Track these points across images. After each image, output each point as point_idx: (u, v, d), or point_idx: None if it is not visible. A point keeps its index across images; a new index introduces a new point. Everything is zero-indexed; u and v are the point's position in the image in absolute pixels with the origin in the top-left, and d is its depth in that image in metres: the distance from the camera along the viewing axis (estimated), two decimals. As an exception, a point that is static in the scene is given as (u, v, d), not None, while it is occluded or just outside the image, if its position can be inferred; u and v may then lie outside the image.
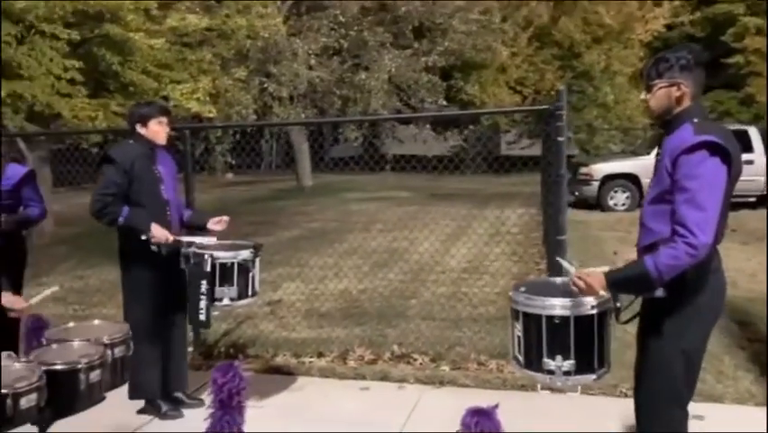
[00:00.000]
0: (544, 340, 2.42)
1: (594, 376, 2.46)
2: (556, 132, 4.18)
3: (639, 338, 2.47)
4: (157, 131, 3.85)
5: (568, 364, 2.41)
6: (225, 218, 4.01)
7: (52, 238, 9.84)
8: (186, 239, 3.83)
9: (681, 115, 2.37)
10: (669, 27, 21.93)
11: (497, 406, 2.55)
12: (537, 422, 3.64)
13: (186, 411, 3.92)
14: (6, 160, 4.23)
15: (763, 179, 11.96)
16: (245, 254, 3.69)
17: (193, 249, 3.73)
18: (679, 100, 2.37)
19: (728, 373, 4.26)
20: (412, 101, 17.32)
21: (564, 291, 2.48)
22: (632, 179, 12.31)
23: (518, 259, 8.02)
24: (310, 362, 4.69)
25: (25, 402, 2.31)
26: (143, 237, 3.69)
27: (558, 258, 2.76)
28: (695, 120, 2.32)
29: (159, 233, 3.69)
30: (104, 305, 6.21)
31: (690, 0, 22.32)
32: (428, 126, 17.77)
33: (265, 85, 14.54)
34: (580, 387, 2.55)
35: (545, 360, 2.43)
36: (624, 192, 12.55)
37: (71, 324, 3.11)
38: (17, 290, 3.91)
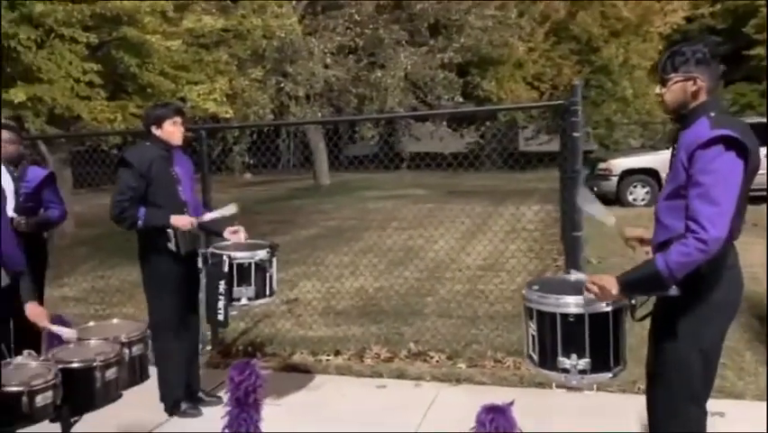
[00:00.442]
0: (559, 338, 2.41)
1: (610, 375, 2.44)
2: (571, 127, 4.15)
3: (653, 336, 2.44)
4: (172, 132, 3.87)
5: (583, 363, 2.39)
6: (241, 229, 4.01)
7: (73, 239, 9.97)
8: (207, 217, 3.87)
9: (697, 109, 2.33)
10: (688, 19, 21.66)
11: (512, 403, 2.54)
12: (554, 420, 3.63)
13: (204, 409, 3.95)
14: (27, 163, 4.30)
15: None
16: (262, 254, 3.73)
17: (211, 249, 3.78)
18: (695, 95, 2.33)
19: (750, 369, 4.20)
20: (428, 98, 17.30)
21: (578, 289, 2.47)
22: (651, 173, 12.16)
23: (536, 256, 7.96)
24: (327, 360, 4.71)
25: (41, 400, 2.36)
26: (169, 231, 3.71)
27: (571, 270, 2.73)
28: (712, 114, 2.29)
29: (180, 222, 3.72)
30: (123, 305, 6.29)
31: (710, -9, 22.06)
32: (444, 124, 17.73)
33: (282, 84, 14.60)
34: (595, 385, 2.52)
35: (560, 358, 2.41)
36: (643, 187, 12.41)
37: (91, 323, 3.16)
38: (39, 291, 3.98)
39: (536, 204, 10.32)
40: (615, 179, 12.58)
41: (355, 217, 11.86)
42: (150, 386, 3.90)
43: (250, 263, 3.68)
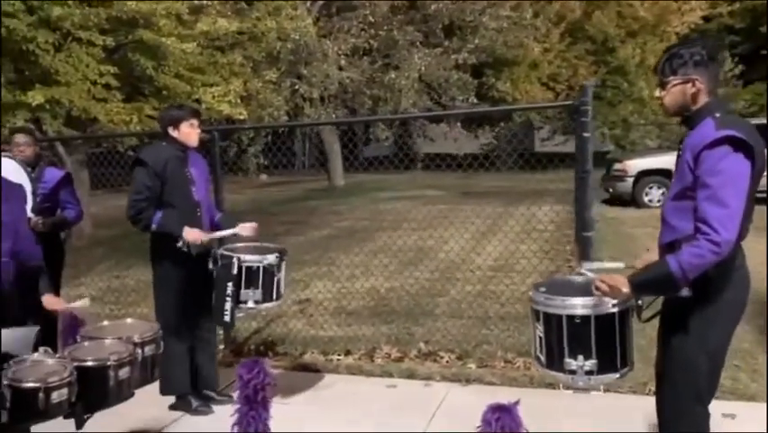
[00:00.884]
0: (565, 340, 2.41)
1: (617, 375, 2.44)
2: (582, 127, 4.14)
3: (661, 337, 2.44)
4: (188, 133, 3.91)
5: (590, 364, 2.39)
6: (254, 225, 4.06)
7: (90, 240, 10.10)
8: (217, 235, 3.91)
9: (701, 110, 2.33)
10: (706, 19, 21.43)
11: (518, 402, 2.55)
12: (563, 421, 3.62)
13: (215, 408, 3.99)
14: (44, 164, 4.38)
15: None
16: (271, 259, 3.74)
17: (221, 251, 3.81)
18: (694, 97, 2.32)
19: (762, 371, 4.16)
20: (443, 99, 17.30)
21: (585, 290, 2.47)
22: (667, 174, 12.03)
23: (549, 257, 7.93)
24: (338, 359, 4.73)
25: (57, 396, 2.40)
26: (179, 244, 3.76)
27: (583, 265, 2.73)
28: (717, 115, 2.28)
29: (192, 236, 3.75)
30: (138, 304, 6.36)
31: (728, -10, 21.80)
32: (459, 125, 17.72)
33: (296, 86, 14.68)
34: (602, 386, 2.53)
35: (567, 360, 2.42)
36: (659, 188, 12.31)
37: (105, 322, 3.20)
38: (56, 289, 4.04)
39: (552, 204, 10.28)
40: (630, 180, 12.49)
41: (368, 218, 11.89)
42: (163, 384, 3.97)
43: (258, 267, 3.69)
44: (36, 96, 7.24)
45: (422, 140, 20.99)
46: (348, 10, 16.02)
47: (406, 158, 16.51)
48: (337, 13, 16.13)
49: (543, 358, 2.51)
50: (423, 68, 16.05)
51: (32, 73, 7.75)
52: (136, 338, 2.90)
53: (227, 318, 3.76)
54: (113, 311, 6.24)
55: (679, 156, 2.39)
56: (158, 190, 3.78)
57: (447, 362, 4.57)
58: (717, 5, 21.57)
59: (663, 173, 12.14)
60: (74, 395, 2.48)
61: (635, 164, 12.68)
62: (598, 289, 2.34)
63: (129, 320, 3.27)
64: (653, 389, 3.80)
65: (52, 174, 4.29)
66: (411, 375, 4.42)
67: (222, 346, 5.04)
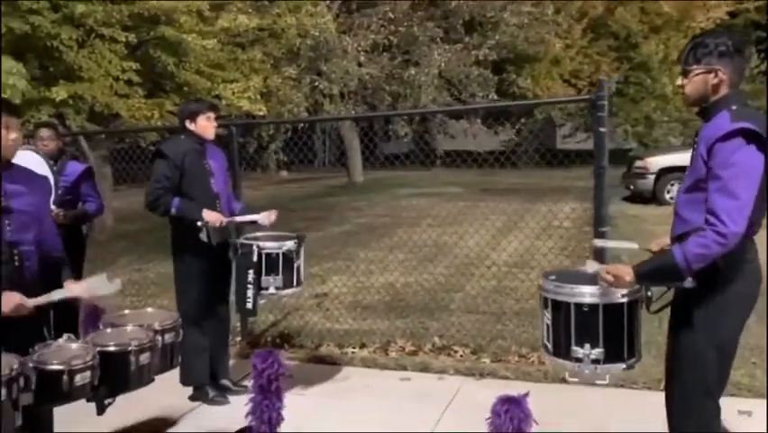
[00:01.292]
0: (573, 328, 2.43)
1: (623, 366, 2.44)
2: (598, 122, 4.13)
3: (670, 329, 2.43)
4: (205, 126, 3.99)
5: (596, 353, 2.40)
6: (274, 212, 4.12)
7: (112, 234, 10.26)
8: (238, 219, 3.97)
9: (718, 102, 2.31)
10: (732, 14, 21.07)
11: (527, 394, 2.57)
12: (577, 416, 3.63)
13: (231, 398, 4.05)
14: (66, 158, 4.47)
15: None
16: (290, 245, 3.81)
17: (241, 240, 3.88)
18: (716, 88, 2.31)
19: (780, 368, 4.11)
20: (463, 96, 17.24)
21: (595, 281, 2.47)
22: (689, 171, 11.90)
23: (569, 253, 7.90)
24: (353, 352, 4.78)
25: (80, 379, 2.46)
26: (198, 224, 3.82)
27: (588, 260, 2.72)
28: (733, 107, 2.26)
29: (212, 217, 3.82)
30: (158, 297, 6.45)
31: (755, -16, 21.41)
32: (479, 121, 17.64)
33: (316, 83, 14.74)
34: (608, 376, 2.52)
35: (574, 348, 2.43)
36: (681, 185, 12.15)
37: (126, 311, 3.27)
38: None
39: (572, 201, 10.21)
40: (652, 177, 12.36)
41: (387, 214, 11.92)
42: (180, 374, 4.04)
43: (278, 253, 3.77)
44: (60, 92, 7.38)
45: (442, 136, 20.95)
46: (368, 6, 16.03)
47: (426, 155, 16.51)
48: (357, 10, 16.15)
49: (549, 346, 2.52)
50: (443, 64, 16.00)
51: (56, 69, 7.89)
52: (156, 326, 2.96)
53: (250, 306, 3.83)
54: (133, 303, 6.34)
55: (694, 148, 2.39)
56: (176, 181, 3.85)
57: (461, 356, 4.59)
58: (743, 1, 21.20)
59: (685, 170, 11.94)
60: (96, 379, 2.54)
61: (657, 161, 12.54)
62: (603, 279, 2.34)
63: (149, 309, 3.35)
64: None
65: (74, 168, 4.38)
66: (425, 369, 4.45)
67: (239, 338, 5.11)
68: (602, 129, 4.12)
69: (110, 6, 7.65)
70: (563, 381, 4.07)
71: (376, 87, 15.88)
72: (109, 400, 2.89)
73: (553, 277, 2.56)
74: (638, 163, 12.80)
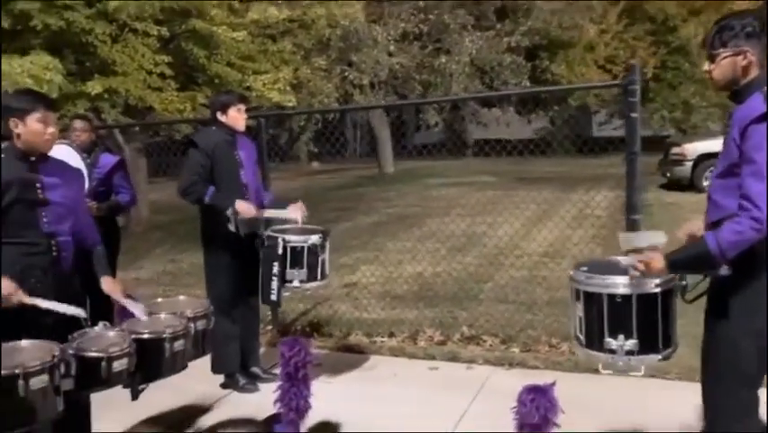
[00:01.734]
0: (606, 319, 2.37)
1: (659, 357, 2.38)
2: (629, 107, 4.04)
3: (706, 318, 2.37)
4: (236, 117, 4.03)
5: (630, 344, 2.35)
6: (301, 206, 4.14)
7: (148, 225, 10.45)
8: (267, 213, 4.00)
9: (751, 84, 2.23)
10: (775, -5, 20.38)
11: (554, 383, 2.54)
12: (608, 406, 3.57)
13: (262, 385, 4.10)
14: (99, 150, 4.55)
15: None
16: (315, 239, 3.83)
17: (268, 232, 3.91)
18: (745, 70, 2.23)
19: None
20: (495, 83, 17.06)
21: (627, 271, 2.43)
22: (729, 158, 11.56)
23: (600, 242, 7.77)
24: (382, 341, 4.78)
25: (118, 366, 2.51)
26: (228, 213, 3.87)
27: (621, 234, 2.66)
28: (765, 88, 2.19)
29: (243, 208, 3.86)
30: (192, 287, 6.54)
31: (800, -37, 20.63)
32: (512, 109, 17.45)
33: (346, 73, 14.73)
34: (643, 367, 2.47)
35: (607, 339, 2.38)
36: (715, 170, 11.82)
37: (159, 299, 3.32)
38: (112, 272, 4.22)
39: (607, 189, 10.04)
40: (689, 163, 12.05)
41: (418, 204, 11.88)
42: (211, 362, 4.11)
43: (303, 247, 3.79)
44: (95, 87, 7.53)
45: (474, 125, 20.78)
46: (398, -6, 15.93)
47: (457, 144, 16.42)
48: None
49: (582, 338, 2.47)
50: (474, 51, 15.84)
51: (91, 64, 8.04)
52: (189, 313, 3.00)
53: (274, 297, 3.87)
54: (166, 293, 6.45)
55: (726, 133, 2.31)
56: (209, 171, 3.90)
57: (491, 346, 4.55)
58: (787, -20, 20.46)
59: (725, 157, 11.63)
60: (133, 365, 2.59)
61: (695, 147, 12.22)
62: (635, 268, 2.29)
63: (182, 297, 3.38)
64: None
65: (107, 160, 4.45)
66: (454, 358, 4.43)
67: (270, 327, 5.17)
68: (634, 114, 4.03)
69: (142, 1, 7.74)
70: (595, 371, 4.00)
71: (406, 76, 15.81)
72: (143, 386, 2.96)
73: (585, 268, 2.50)
74: (675, 150, 12.49)
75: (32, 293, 2.62)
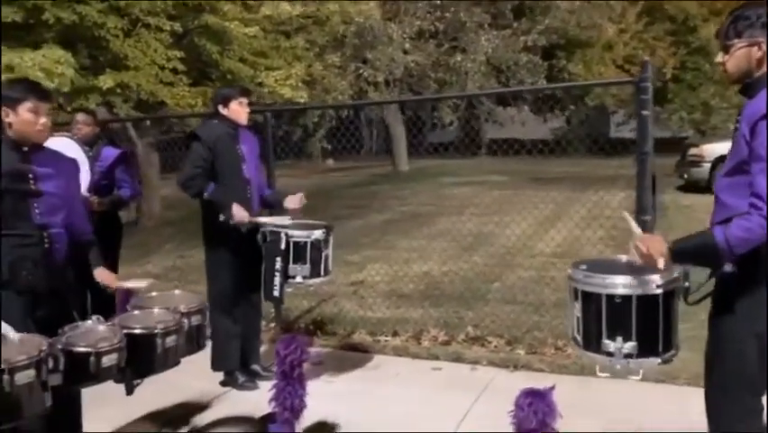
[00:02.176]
0: (604, 320, 2.29)
1: (658, 360, 2.29)
2: (641, 105, 3.95)
3: (710, 320, 2.28)
4: (238, 111, 3.99)
5: (629, 347, 2.26)
6: (300, 195, 4.10)
7: (160, 220, 10.48)
8: (262, 220, 3.95)
9: (762, 77, 2.14)
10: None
11: (552, 388, 2.46)
12: (613, 410, 3.48)
13: (261, 383, 4.04)
14: (102, 144, 4.53)
15: None
16: (318, 234, 3.77)
17: (270, 227, 3.86)
18: (760, 62, 2.13)
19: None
20: (511, 83, 16.90)
21: (628, 269, 2.34)
22: (748, 160, 11.34)
23: (615, 244, 7.63)
24: (385, 340, 4.72)
25: (107, 361, 2.48)
26: (222, 218, 3.83)
27: (625, 213, 2.55)
28: None
29: (238, 214, 3.81)
30: (198, 283, 6.51)
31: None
32: (527, 108, 17.27)
33: (361, 70, 14.67)
34: (641, 371, 2.39)
35: (605, 341, 2.30)
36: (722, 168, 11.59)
37: (154, 293, 3.28)
38: (113, 268, 4.19)
39: (623, 190, 9.88)
40: (707, 165, 11.83)
41: (430, 203, 11.80)
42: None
43: (306, 242, 3.74)
44: (106, 81, 7.53)
45: (490, 124, 20.62)
46: (415, -8, 15.83)
47: (472, 142, 16.28)
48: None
49: (579, 339, 2.40)
50: (490, 50, 15.69)
51: (104, 58, 8.06)
52: (183, 308, 2.96)
53: (276, 293, 3.82)
54: (174, 288, 6.43)
55: (735, 129, 2.22)
56: (211, 164, 3.85)
57: (495, 347, 4.47)
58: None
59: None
60: (123, 360, 2.55)
61: (713, 149, 11.98)
62: (636, 248, 2.19)
63: (177, 292, 3.34)
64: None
65: (109, 153, 4.43)
66: (457, 359, 4.36)
67: (273, 324, 5.12)
68: (645, 112, 3.93)
69: (154, -5, 7.76)
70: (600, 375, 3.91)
71: (421, 74, 15.71)
72: (137, 382, 2.92)
73: (584, 266, 2.42)
74: (693, 151, 12.27)
75: (23, 286, 2.59)
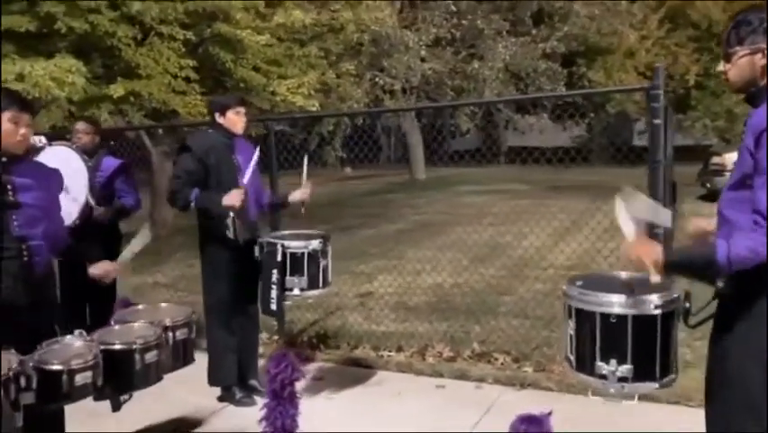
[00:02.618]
0: (598, 341, 2.17)
1: (656, 385, 2.16)
2: (653, 113, 3.80)
3: (711, 343, 2.13)
4: (234, 120, 3.91)
5: (624, 370, 2.14)
6: (307, 190, 4.02)
7: (172, 229, 10.45)
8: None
9: (767, 86, 2.00)
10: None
11: (550, 413, 2.34)
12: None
13: (258, 399, 3.94)
14: (103, 153, 4.48)
15: None
16: (315, 244, 3.69)
17: (266, 238, 3.78)
18: (764, 70, 1.99)
19: None
20: (530, 90, 16.72)
21: (627, 287, 2.20)
22: (773, 169, 11.02)
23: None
24: (389, 356, 4.60)
25: (81, 379, 2.41)
26: (227, 220, 3.74)
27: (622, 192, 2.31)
28: None
29: (231, 199, 3.68)
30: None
31: None
32: (545, 116, 17.06)
33: (377, 78, 14.60)
34: (636, 396, 2.25)
35: (598, 363, 2.18)
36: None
37: (140, 306, 3.21)
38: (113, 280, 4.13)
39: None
40: (729, 174, 11.54)
41: (445, 212, 11.65)
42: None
43: (303, 253, 3.65)
44: (117, 90, 7.53)
45: (510, 132, 20.41)
46: (431, -1, 15.75)
47: (492, 151, 16.09)
48: (421, 2, 15.88)
49: (573, 360, 2.27)
50: (507, 57, 15.53)
51: (117, 67, 8.06)
52: (167, 322, 2.89)
53: (273, 307, 3.73)
54: (181, 297, 6.39)
55: (742, 140, 2.08)
56: (200, 176, 3.78)
57: (502, 364, 4.33)
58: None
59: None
60: (99, 378, 2.48)
61: (735, 157, 11.69)
62: (627, 252, 2.06)
63: (163, 304, 3.28)
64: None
65: (109, 163, 4.39)
66: (462, 376, 4.22)
67: (276, 337, 5.02)
68: (657, 121, 3.80)
69: (165, 3, 7.72)
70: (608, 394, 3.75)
71: (439, 82, 15.59)
72: (125, 397, 2.83)
73: (580, 282, 2.30)
74: (715, 159, 11.98)
75: (2, 300, 2.52)
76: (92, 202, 4.22)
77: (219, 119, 3.91)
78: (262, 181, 4.33)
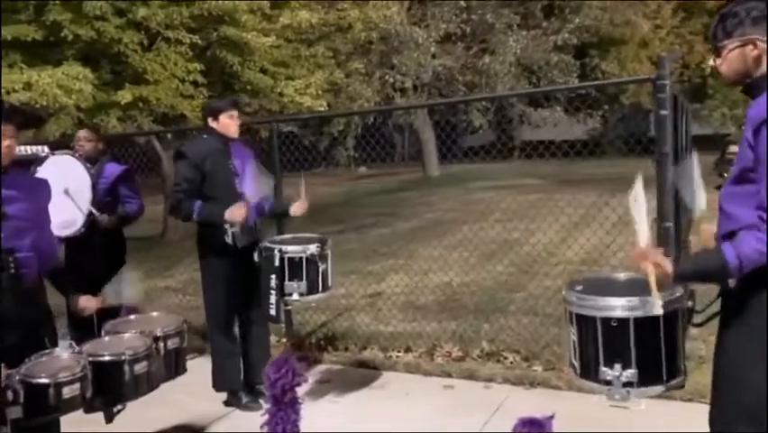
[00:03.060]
0: (601, 346, 2.10)
1: (662, 388, 2.09)
2: (659, 104, 3.70)
3: (716, 343, 2.06)
4: (228, 124, 3.87)
5: (628, 374, 2.07)
6: (305, 204, 4.01)
7: (184, 234, 10.47)
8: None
9: (764, 77, 1.92)
10: None
11: (552, 417, 2.27)
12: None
13: (265, 404, 3.92)
14: (106, 159, 4.47)
15: None
16: (313, 248, 3.62)
17: (265, 243, 3.74)
18: (757, 60, 1.92)
19: None
20: (542, 83, 16.56)
21: (627, 290, 2.13)
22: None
23: (646, 249, 7.30)
24: (397, 356, 4.55)
25: (68, 392, 2.38)
26: (226, 227, 3.71)
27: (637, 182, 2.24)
28: None
29: (235, 214, 3.66)
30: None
31: None
32: (559, 109, 16.88)
33: (387, 76, 14.53)
34: (644, 400, 2.18)
35: (602, 368, 2.11)
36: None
37: (132, 316, 3.19)
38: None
39: (653, 194, 9.44)
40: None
41: (457, 209, 11.56)
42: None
43: (301, 258, 3.59)
44: (125, 96, 7.57)
45: (524, 127, 20.24)
46: (441, -6, 15.63)
47: (506, 146, 15.94)
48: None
49: (577, 366, 2.20)
50: (518, 51, 15.38)
51: (125, 73, 8.11)
52: (158, 332, 2.86)
53: (273, 312, 3.69)
54: (189, 302, 6.40)
55: (742, 132, 2.00)
56: (198, 183, 3.75)
57: (511, 363, 4.26)
58: None
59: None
60: (87, 390, 2.46)
61: (754, 146, 11.49)
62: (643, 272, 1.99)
63: (155, 314, 3.24)
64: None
65: (112, 170, 4.37)
66: (471, 376, 4.16)
67: (284, 340, 5.00)
68: (664, 111, 3.69)
69: (170, 8, 7.74)
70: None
71: (450, 78, 15.49)
72: (118, 408, 2.81)
73: (579, 287, 2.23)
74: (732, 148, 11.66)
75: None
76: (94, 211, 4.21)
77: (212, 123, 3.87)
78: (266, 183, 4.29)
